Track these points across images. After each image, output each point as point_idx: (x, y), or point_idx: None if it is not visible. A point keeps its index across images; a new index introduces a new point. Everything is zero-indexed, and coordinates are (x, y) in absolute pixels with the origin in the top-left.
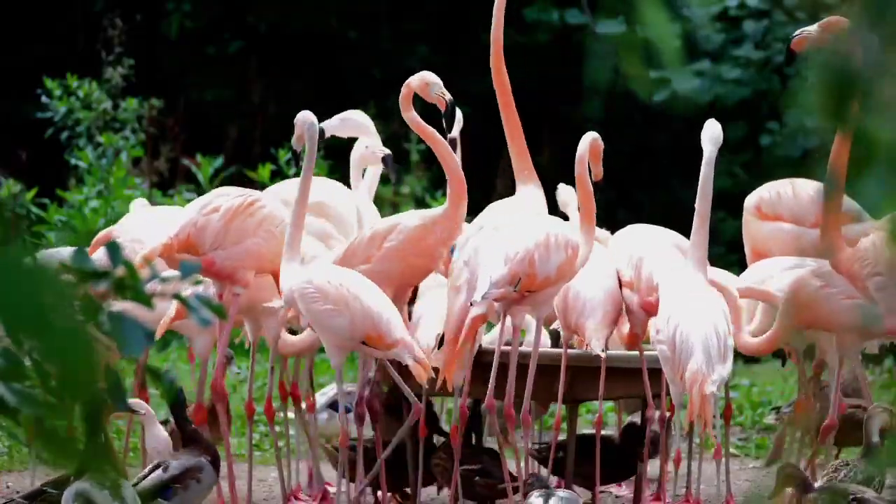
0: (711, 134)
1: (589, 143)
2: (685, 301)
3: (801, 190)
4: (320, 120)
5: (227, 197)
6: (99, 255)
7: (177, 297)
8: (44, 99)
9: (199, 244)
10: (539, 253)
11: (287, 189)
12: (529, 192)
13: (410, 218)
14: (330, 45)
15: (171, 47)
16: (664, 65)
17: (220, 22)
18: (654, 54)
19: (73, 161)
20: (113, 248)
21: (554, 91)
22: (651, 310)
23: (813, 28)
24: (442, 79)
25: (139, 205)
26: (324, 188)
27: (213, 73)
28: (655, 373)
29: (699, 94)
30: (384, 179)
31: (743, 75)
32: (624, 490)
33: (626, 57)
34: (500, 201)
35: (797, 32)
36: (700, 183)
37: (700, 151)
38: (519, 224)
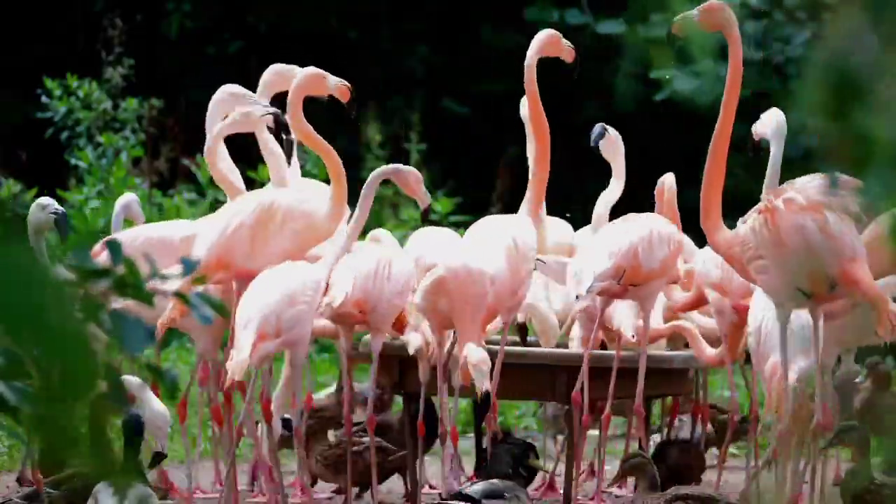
0: (776, 126)
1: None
2: None
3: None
4: (330, 119)
5: (243, 213)
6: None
7: (178, 295)
8: (44, 99)
9: (231, 261)
10: (643, 246)
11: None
12: (525, 219)
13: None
14: (330, 45)
15: (171, 47)
16: (690, 60)
17: (220, 22)
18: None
19: (73, 161)
20: (113, 246)
21: (554, 91)
22: (745, 312)
23: (693, 13)
24: (442, 79)
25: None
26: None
27: (213, 73)
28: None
29: (699, 94)
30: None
31: (743, 75)
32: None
33: (657, 55)
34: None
35: (678, 17)
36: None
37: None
38: (621, 222)
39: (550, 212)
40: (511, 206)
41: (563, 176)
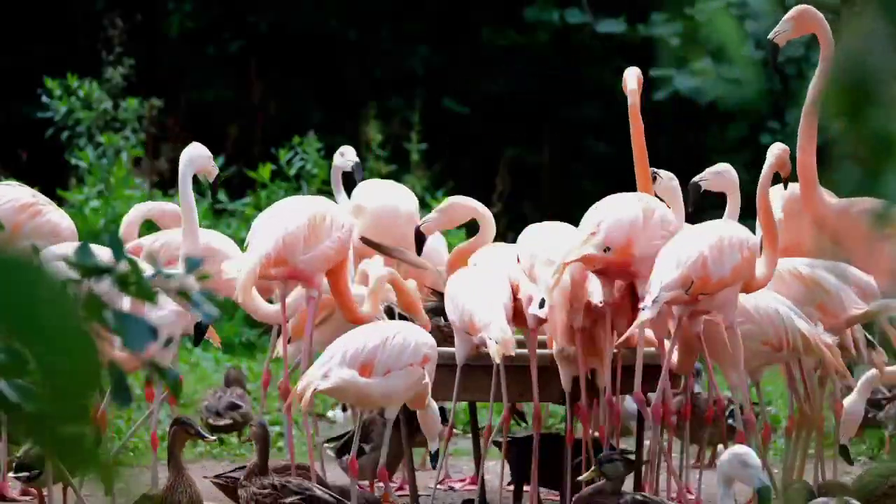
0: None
1: (777, 154)
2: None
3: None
4: (320, 120)
5: (298, 212)
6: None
7: (181, 292)
8: (44, 99)
9: (287, 258)
10: (712, 256)
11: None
12: None
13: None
14: (330, 45)
15: (171, 47)
16: (727, 57)
17: (220, 22)
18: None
19: (73, 161)
20: (115, 242)
21: (554, 91)
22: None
23: (787, 26)
24: (442, 79)
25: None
26: None
27: (213, 73)
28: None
29: (700, 94)
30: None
31: (743, 75)
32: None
33: (687, 48)
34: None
35: (773, 34)
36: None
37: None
38: (691, 230)
39: (550, 210)
40: (511, 206)
41: (562, 174)
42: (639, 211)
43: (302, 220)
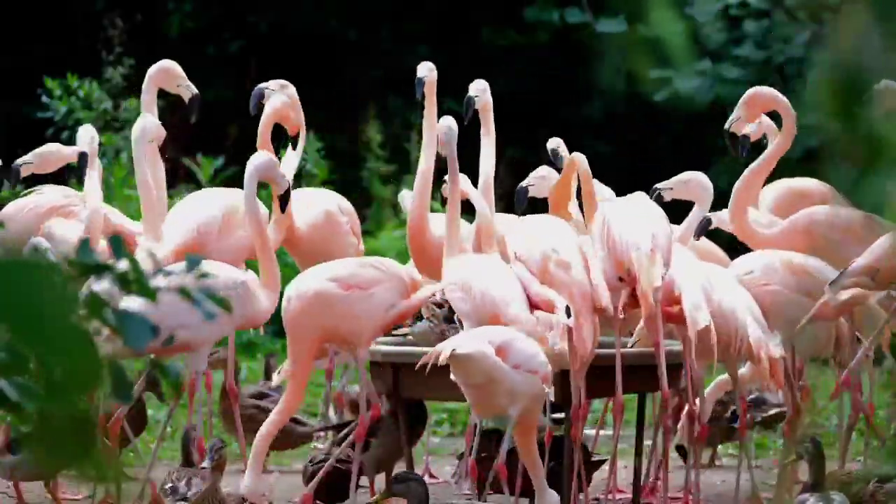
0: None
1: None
2: (717, 280)
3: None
4: (320, 120)
5: (214, 204)
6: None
7: (182, 291)
8: (44, 99)
9: (203, 246)
10: None
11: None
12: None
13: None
14: (330, 45)
15: (171, 47)
16: (672, 63)
17: (220, 22)
18: (661, 53)
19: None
20: (115, 241)
21: (554, 91)
22: (672, 319)
23: (741, 112)
24: (442, 79)
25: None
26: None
27: (213, 73)
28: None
29: (700, 94)
30: (384, 180)
31: (743, 75)
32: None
33: (633, 56)
34: None
35: (729, 124)
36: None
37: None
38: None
39: (543, 211)
40: (511, 206)
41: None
42: (663, 219)
43: (215, 210)
